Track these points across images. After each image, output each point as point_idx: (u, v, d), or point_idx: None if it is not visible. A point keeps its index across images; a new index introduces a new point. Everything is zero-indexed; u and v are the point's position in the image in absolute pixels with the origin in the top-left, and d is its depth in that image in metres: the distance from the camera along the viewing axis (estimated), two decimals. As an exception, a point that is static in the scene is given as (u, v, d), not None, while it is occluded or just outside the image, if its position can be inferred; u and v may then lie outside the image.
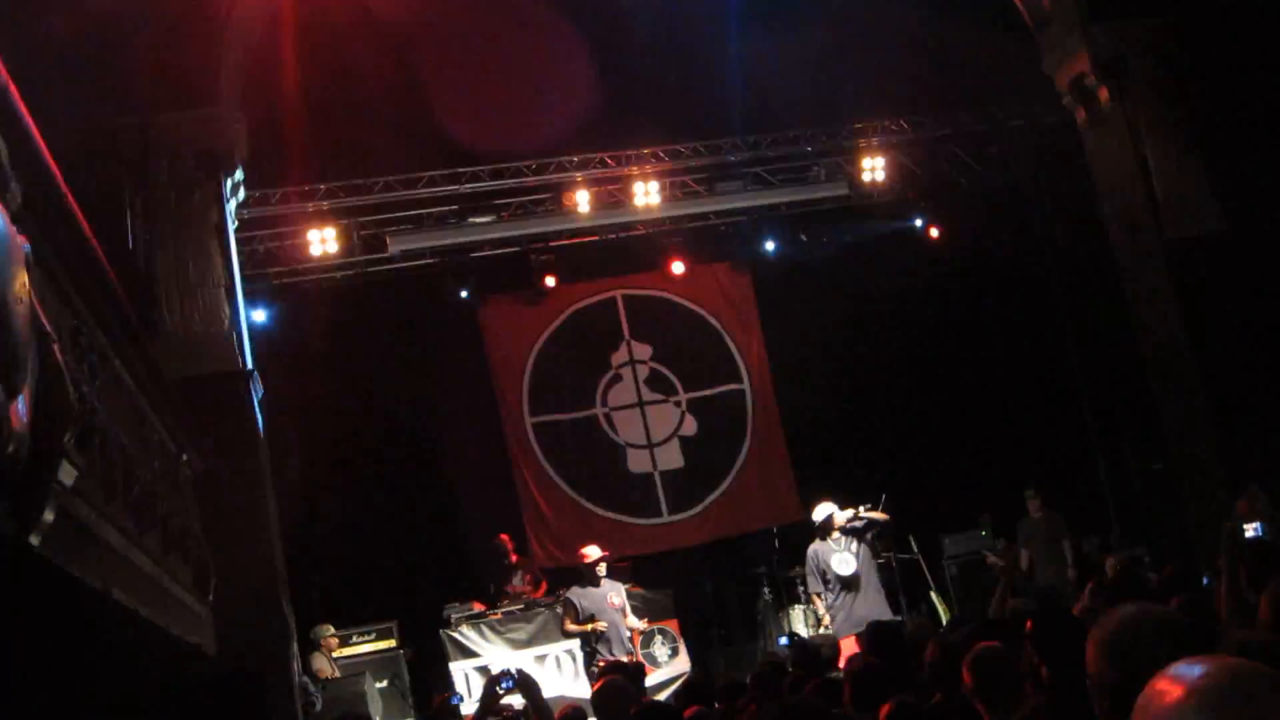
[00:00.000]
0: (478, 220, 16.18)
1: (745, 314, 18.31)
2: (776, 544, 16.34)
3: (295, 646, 12.84)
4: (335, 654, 14.29)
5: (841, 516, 13.14)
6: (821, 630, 13.39)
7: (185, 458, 10.13)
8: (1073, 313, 17.66)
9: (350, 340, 16.37)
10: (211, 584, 10.46)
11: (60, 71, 10.82)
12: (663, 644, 14.80)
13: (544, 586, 15.43)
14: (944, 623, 14.80)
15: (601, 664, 11.96)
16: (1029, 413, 17.96)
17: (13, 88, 4.42)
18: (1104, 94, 15.41)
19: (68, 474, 5.05)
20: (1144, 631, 2.71)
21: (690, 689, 8.58)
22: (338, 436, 16.18)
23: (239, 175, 14.02)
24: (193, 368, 12.43)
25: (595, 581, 12.63)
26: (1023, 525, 16.25)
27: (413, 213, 16.11)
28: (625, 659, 12.03)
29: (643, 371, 17.83)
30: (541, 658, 14.10)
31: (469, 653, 14.12)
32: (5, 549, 4.56)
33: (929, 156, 17.71)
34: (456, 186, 15.91)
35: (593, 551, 12.77)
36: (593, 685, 9.42)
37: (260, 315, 15.89)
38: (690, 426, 17.81)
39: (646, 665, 12.59)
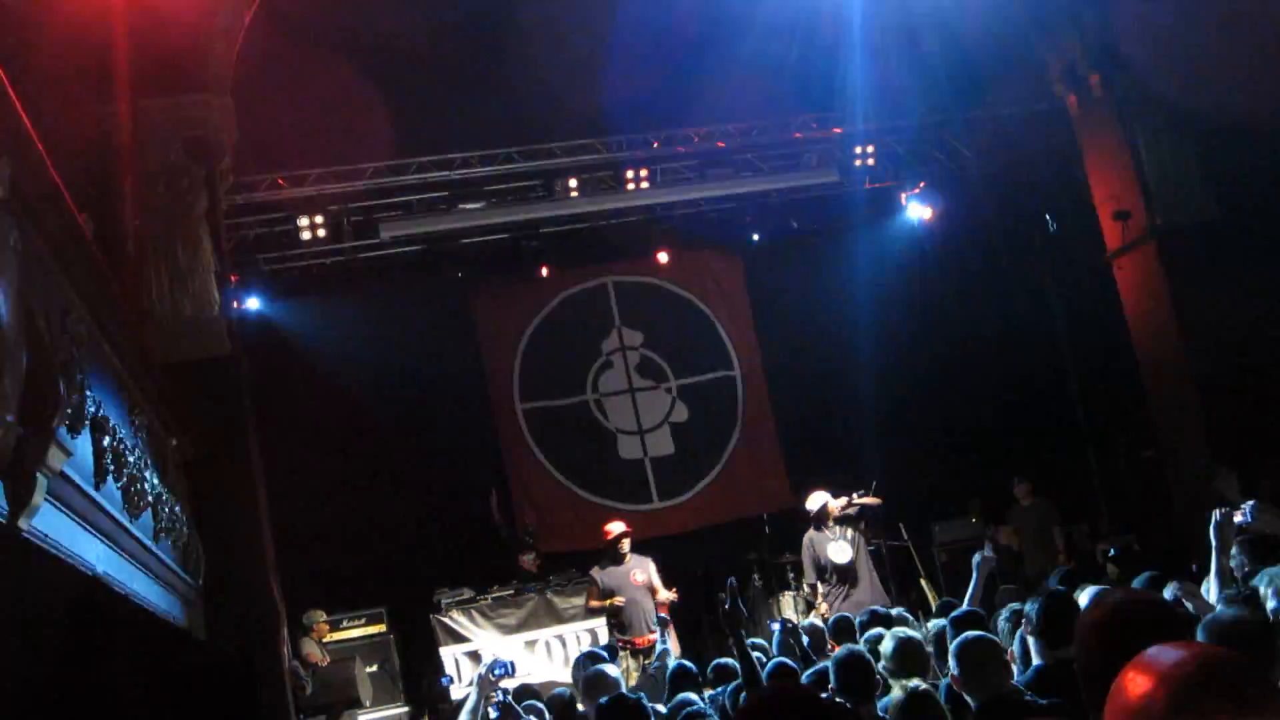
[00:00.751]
0: (468, 206, 16.15)
1: (736, 300, 18.31)
2: (766, 530, 16.37)
3: (285, 631, 12.86)
4: (325, 639, 14.30)
5: (836, 505, 13.18)
6: (813, 617, 13.42)
7: (175, 442, 10.14)
8: (1064, 301, 17.70)
9: (341, 326, 16.36)
10: (201, 569, 10.48)
11: (48, 58, 10.79)
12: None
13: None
14: (933, 609, 14.86)
15: (620, 642, 12.09)
16: (1019, 400, 18.00)
17: (1, 74, 4.41)
18: (1095, 81, 15.43)
19: (57, 458, 5.06)
20: (1130, 618, 2.72)
21: (679, 675, 8.57)
22: (328, 422, 16.17)
23: (228, 161, 14.02)
24: (183, 353, 12.45)
25: (617, 559, 12.69)
26: (1012, 513, 16.31)
27: (403, 199, 16.08)
28: (642, 638, 12.27)
29: (633, 358, 17.84)
30: (531, 643, 14.14)
31: (459, 638, 14.14)
32: (-5, 533, 4.57)
33: (920, 143, 17.71)
34: (446, 173, 15.88)
35: (615, 527, 12.82)
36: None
37: (251, 301, 15.89)
38: (681, 413, 17.83)
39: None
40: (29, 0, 10.46)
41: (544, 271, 17.12)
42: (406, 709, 13.71)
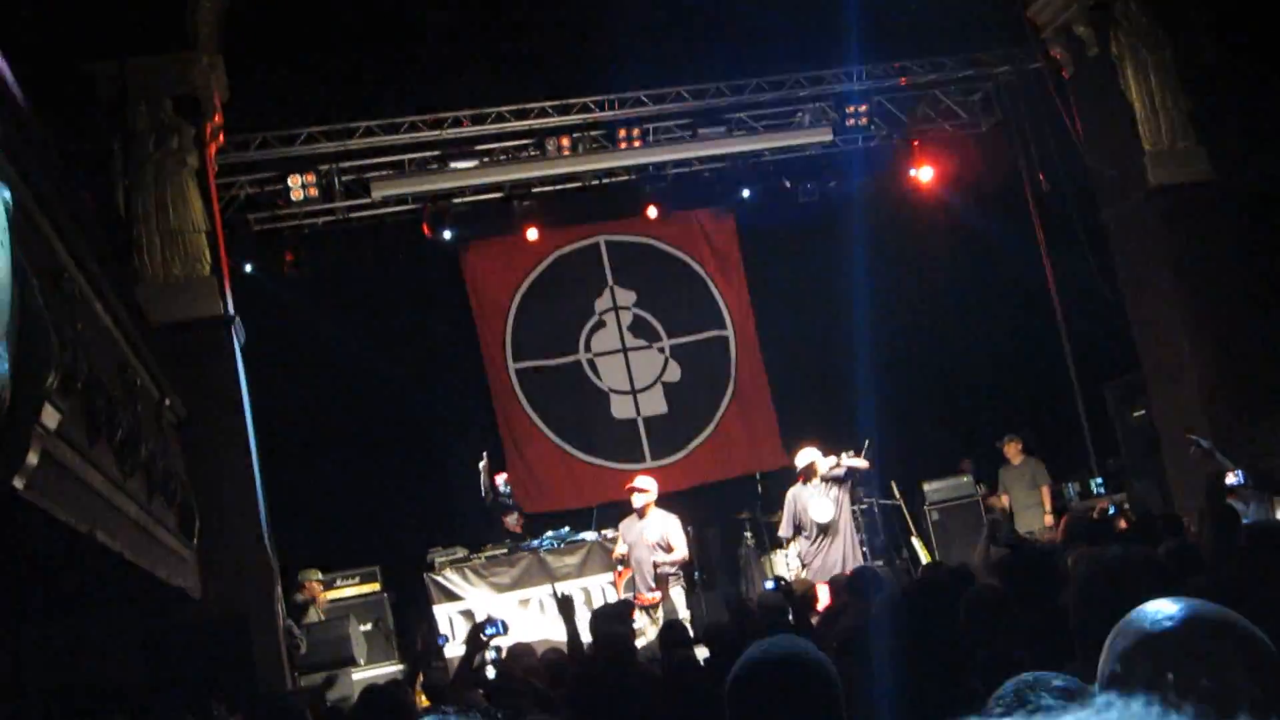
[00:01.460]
0: (459, 166, 16.10)
1: (728, 260, 18.29)
2: (760, 489, 16.42)
3: (280, 590, 12.91)
4: (319, 598, 14.34)
5: (824, 464, 13.23)
6: (802, 574, 13.49)
7: (168, 402, 10.15)
8: (1057, 259, 17.67)
9: (332, 286, 16.34)
10: (196, 528, 10.51)
11: (36, 16, 10.74)
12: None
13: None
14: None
15: (636, 598, 12.34)
16: (1012, 359, 18.02)
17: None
18: (1090, 39, 15.40)
19: (50, 417, 5.07)
20: (1126, 573, 2.74)
21: (670, 630, 8.62)
22: (321, 381, 16.17)
23: (218, 120, 13.97)
24: (175, 313, 12.47)
25: (640, 514, 12.84)
26: (1003, 472, 16.37)
27: (394, 158, 16.04)
28: (641, 596, 12.58)
29: (626, 317, 17.82)
30: (525, 601, 14.20)
31: (453, 596, 14.20)
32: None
33: (914, 102, 17.66)
34: (438, 132, 15.83)
35: (640, 483, 12.98)
36: None
37: (242, 262, 15.83)
38: (674, 372, 17.82)
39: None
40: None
41: (536, 231, 17.06)
42: (401, 667, 13.74)
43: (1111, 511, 12.89)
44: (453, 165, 16.11)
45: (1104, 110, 15.44)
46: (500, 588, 14.26)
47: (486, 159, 16.27)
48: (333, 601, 14.55)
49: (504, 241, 17.34)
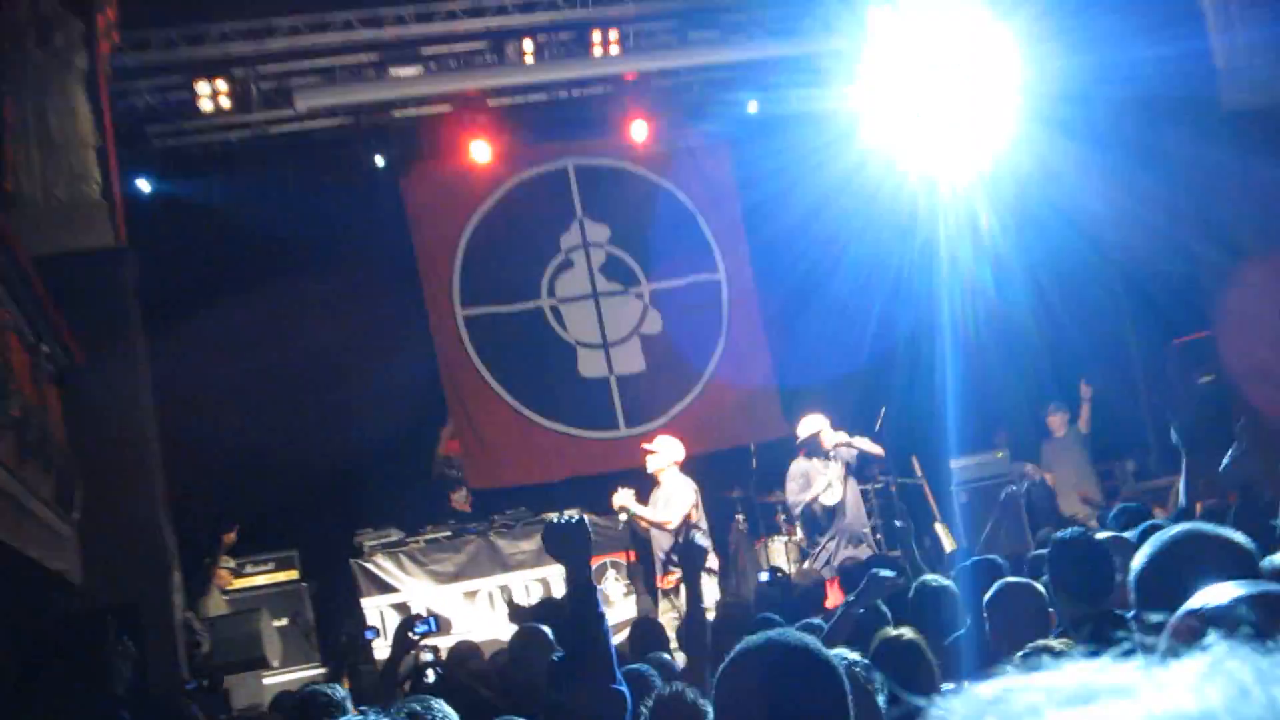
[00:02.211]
0: (400, 73, 15.98)
1: (722, 190, 18.24)
2: (754, 464, 16.41)
3: (178, 576, 12.86)
4: (227, 587, 14.31)
5: (831, 437, 13.25)
6: (806, 566, 13.52)
7: (46, 349, 10.06)
8: (1114, 196, 17.62)
9: (246, 215, 16.21)
10: (77, 499, 10.43)
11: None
12: (615, 579, 14.92)
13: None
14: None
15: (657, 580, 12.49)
16: (1057, 313, 17.98)
17: None
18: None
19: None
20: (1195, 554, 2.72)
21: (640, 631, 8.60)
22: (232, 329, 16.08)
23: (112, 14, 13.80)
24: (56, 243, 12.36)
25: (656, 482, 12.97)
26: (1046, 446, 16.37)
27: (322, 62, 15.90)
28: (660, 578, 12.92)
29: (598, 257, 17.76)
30: (471, 594, 14.21)
31: (385, 587, 14.20)
32: None
33: (950, 9, 17.54)
34: (377, 32, 15.70)
35: (654, 444, 13.04)
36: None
37: (139, 183, 15.72)
38: (654, 323, 17.78)
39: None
40: None
41: (491, 152, 16.95)
42: (322, 670, 13.73)
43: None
44: (392, 72, 16.02)
45: (1173, 26, 15.37)
46: (442, 577, 14.27)
47: (433, 65, 16.17)
48: (242, 591, 14.53)
49: (453, 165, 17.25)
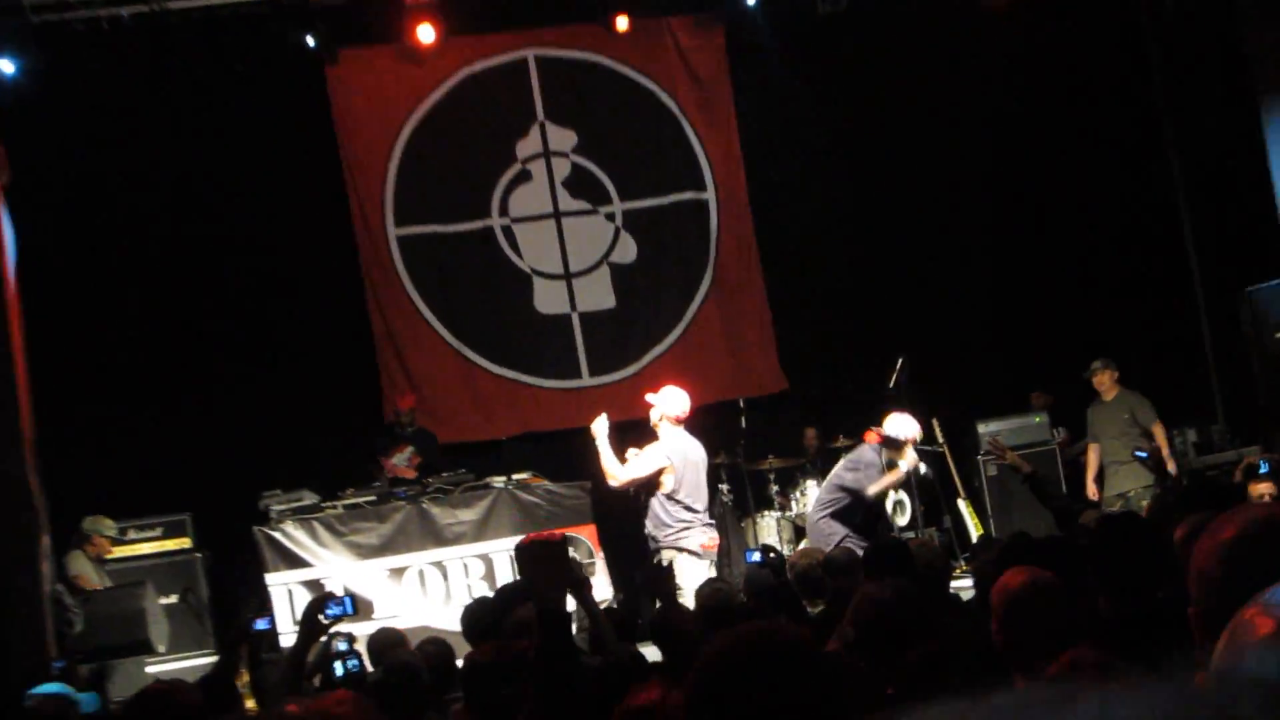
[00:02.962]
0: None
1: (714, 91, 18.16)
2: (743, 423, 16.37)
3: (48, 542, 12.80)
4: (106, 556, 14.23)
5: (912, 454, 13.45)
6: (803, 545, 13.53)
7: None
8: (1180, 111, 17.59)
9: (139, 109, 16.08)
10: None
11: None
12: (575, 559, 14.85)
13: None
14: (973, 541, 14.96)
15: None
16: (1107, 252, 17.96)
17: None
18: None
19: None
20: (1269, 541, 2.68)
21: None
22: (114, 251, 15.97)
23: None
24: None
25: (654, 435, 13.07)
26: (1093, 411, 16.34)
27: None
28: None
29: (561, 168, 17.66)
30: (398, 571, 14.10)
31: (295, 560, 14.07)
32: None
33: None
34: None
35: (653, 396, 13.02)
36: None
37: (6, 66, 15.56)
38: (627, 250, 17.72)
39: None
40: None
41: (434, 35, 16.83)
42: (217, 658, 13.66)
43: (1263, 469, 12.81)
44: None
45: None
46: (363, 551, 14.16)
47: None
48: (123, 561, 14.45)
49: (389, 52, 17.22)
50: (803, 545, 13.71)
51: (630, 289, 17.71)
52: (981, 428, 16.50)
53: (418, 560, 14.15)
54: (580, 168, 17.75)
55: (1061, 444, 16.67)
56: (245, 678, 8.91)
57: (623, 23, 17.40)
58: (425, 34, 16.72)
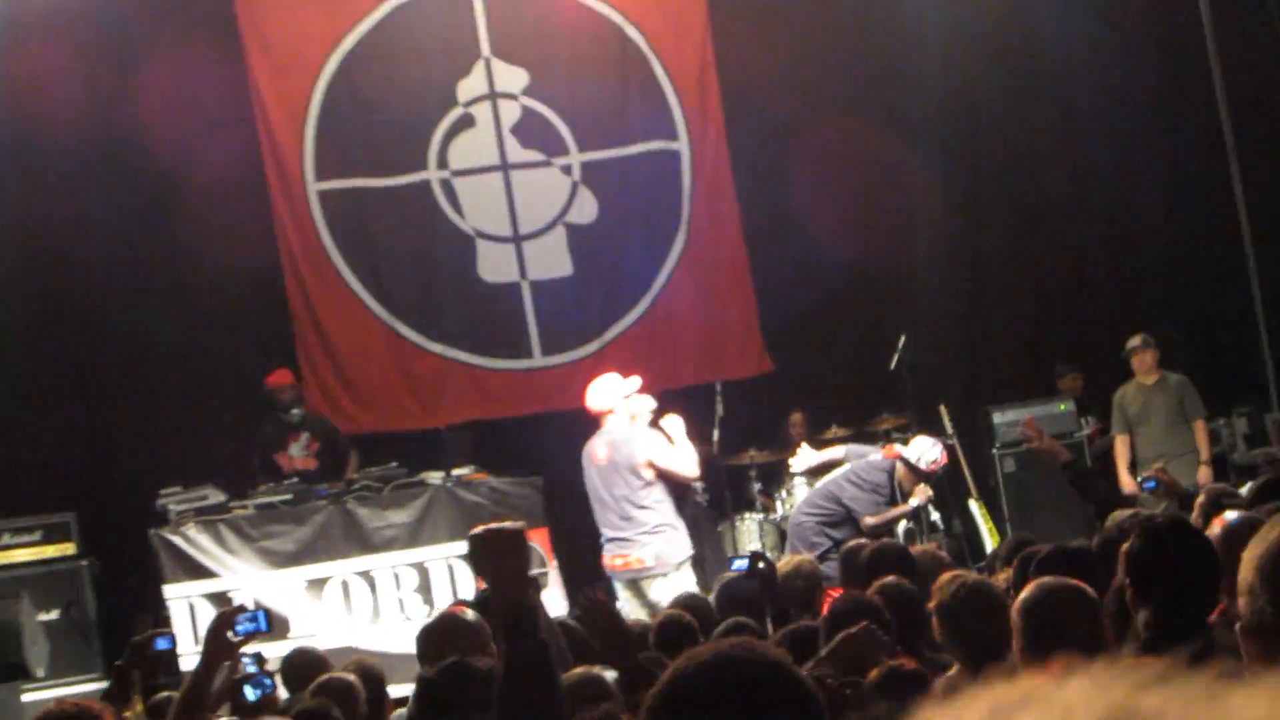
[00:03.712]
0: None
1: (689, 25, 18.15)
2: (720, 409, 16.38)
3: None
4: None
5: (926, 491, 13.70)
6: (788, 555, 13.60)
7: None
8: (1230, 55, 17.67)
9: (25, 45, 16.05)
10: None
11: None
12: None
13: (351, 462, 15.48)
14: (988, 549, 15.01)
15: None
16: (1146, 214, 18.02)
17: None
18: None
19: None
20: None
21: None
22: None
23: None
24: None
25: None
26: (1126, 395, 16.39)
27: None
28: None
29: (510, 112, 17.64)
30: (318, 582, 14.13)
31: (198, 570, 14.10)
32: None
33: None
34: None
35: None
36: None
37: None
38: (586, 208, 17.70)
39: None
40: None
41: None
42: (106, 684, 13.68)
43: None
44: None
45: None
46: (278, 558, 14.20)
47: None
48: (-6, 570, 14.47)
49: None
50: (787, 555, 13.77)
51: (589, 254, 17.70)
52: (997, 416, 16.54)
53: (341, 569, 14.19)
54: (532, 112, 17.72)
55: (1091, 435, 16.70)
56: (139, 707, 8.90)
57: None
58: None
